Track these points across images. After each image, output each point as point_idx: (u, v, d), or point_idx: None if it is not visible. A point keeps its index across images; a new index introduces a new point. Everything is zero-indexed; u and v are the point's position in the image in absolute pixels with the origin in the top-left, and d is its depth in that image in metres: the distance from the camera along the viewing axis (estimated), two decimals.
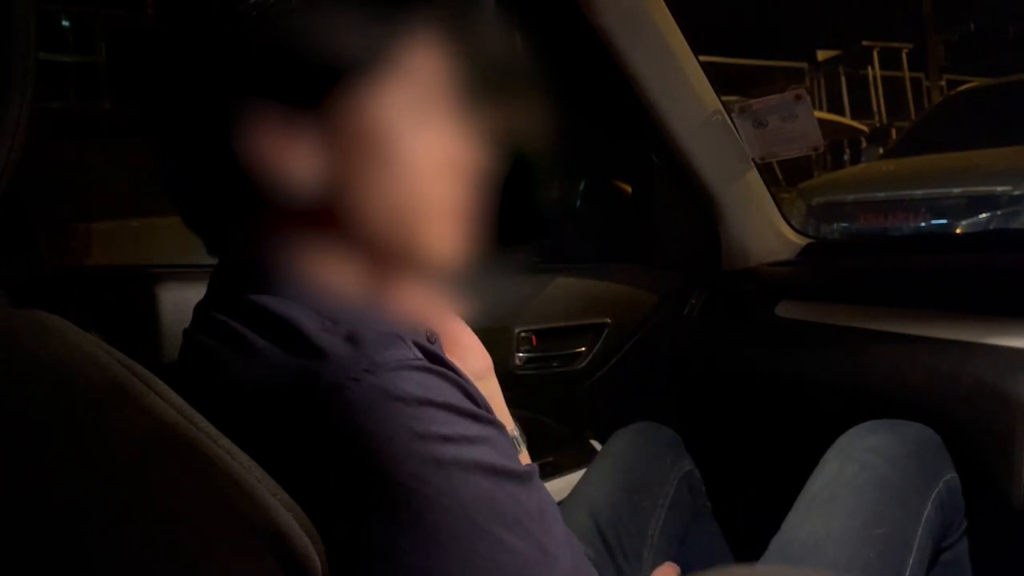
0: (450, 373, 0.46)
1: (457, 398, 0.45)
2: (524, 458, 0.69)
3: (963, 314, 1.00)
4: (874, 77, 9.72)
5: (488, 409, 0.47)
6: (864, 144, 7.98)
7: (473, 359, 0.65)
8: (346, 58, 0.49)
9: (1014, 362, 0.90)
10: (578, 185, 1.68)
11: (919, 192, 3.64)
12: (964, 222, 3.40)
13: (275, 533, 0.40)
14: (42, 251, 1.06)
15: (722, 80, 1.36)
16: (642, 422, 1.05)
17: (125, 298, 1.05)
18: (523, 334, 1.31)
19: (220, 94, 0.48)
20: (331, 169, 0.49)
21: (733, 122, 1.29)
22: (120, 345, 0.42)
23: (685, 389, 1.40)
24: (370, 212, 0.51)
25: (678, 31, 1.22)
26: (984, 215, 3.36)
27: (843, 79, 9.70)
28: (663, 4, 1.19)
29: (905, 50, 9.91)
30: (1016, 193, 3.31)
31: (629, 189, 1.55)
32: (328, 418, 0.41)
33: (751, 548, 0.84)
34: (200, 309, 0.53)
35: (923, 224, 3.53)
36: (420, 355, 0.45)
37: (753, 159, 1.32)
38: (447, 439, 0.42)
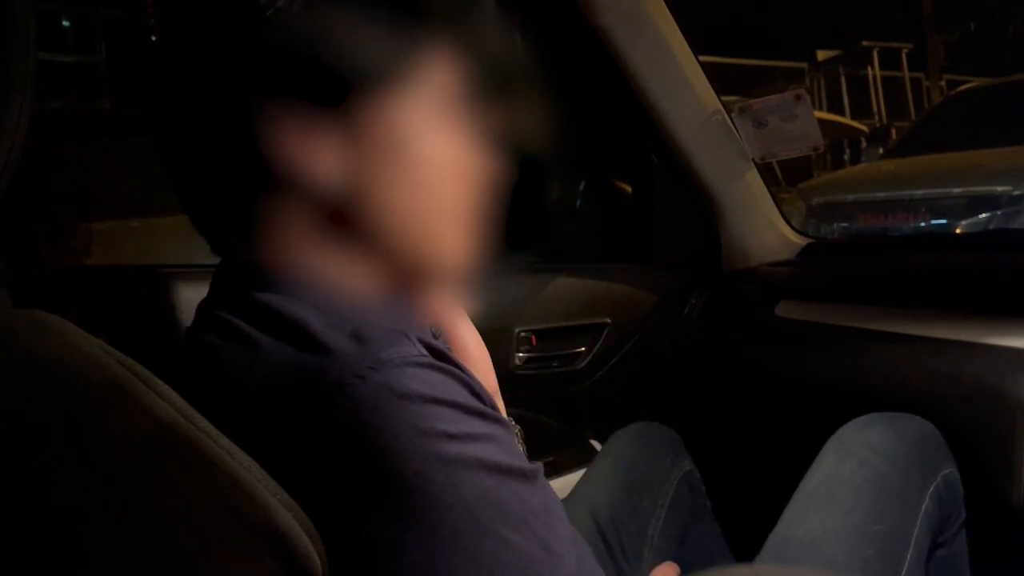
0: (456, 370, 0.46)
1: (463, 395, 0.45)
2: None
3: (963, 314, 1.00)
4: (874, 77, 9.73)
5: (494, 407, 0.47)
6: (864, 144, 7.98)
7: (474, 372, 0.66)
8: (366, 64, 0.50)
9: (1014, 362, 0.90)
10: (578, 185, 1.69)
11: (919, 192, 3.65)
12: (964, 222, 3.40)
13: (275, 533, 0.40)
14: (42, 251, 1.06)
15: (722, 80, 1.36)
16: (642, 422, 1.05)
17: (125, 298, 1.05)
18: (523, 334, 1.31)
19: (242, 92, 0.48)
20: (352, 169, 0.50)
21: (733, 122, 1.29)
22: (120, 345, 0.42)
23: (685, 389, 1.40)
24: (387, 214, 0.52)
25: (678, 31, 1.22)
26: (984, 215, 3.36)
27: (843, 79, 9.71)
28: (663, 4, 1.19)
29: (905, 50, 9.93)
30: (1016, 193, 3.32)
31: (629, 189, 1.55)
32: (333, 415, 0.41)
33: (751, 548, 0.84)
34: (203, 307, 0.54)
35: (923, 224, 3.53)
36: (426, 352, 0.45)
37: (753, 159, 1.32)
38: (452, 437, 0.42)
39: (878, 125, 9.52)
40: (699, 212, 1.39)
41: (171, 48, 0.54)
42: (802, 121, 1.22)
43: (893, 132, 8.74)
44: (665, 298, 1.44)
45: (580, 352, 1.37)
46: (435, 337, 0.57)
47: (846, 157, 8.73)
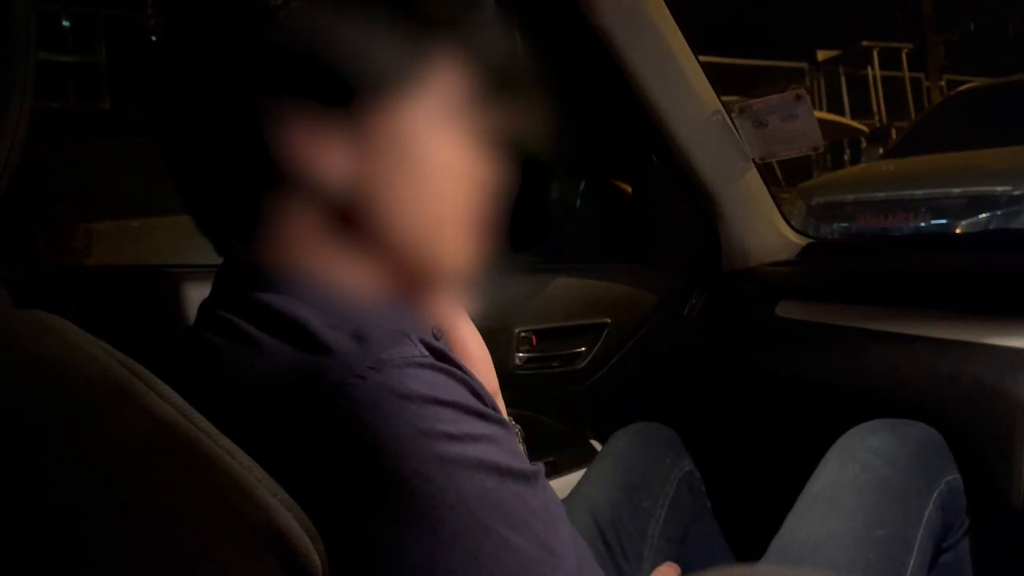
0: (456, 371, 0.46)
1: (463, 396, 0.45)
2: None
3: (963, 314, 1.00)
4: (874, 77, 9.73)
5: (494, 407, 0.47)
6: (864, 144, 7.98)
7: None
8: (370, 67, 0.50)
9: (1014, 362, 0.90)
10: (578, 185, 1.69)
11: (919, 192, 3.65)
12: (964, 222, 3.40)
13: (275, 533, 0.40)
14: (42, 251, 1.06)
15: (722, 80, 1.36)
16: (642, 422, 1.05)
17: (125, 298, 1.05)
18: (523, 334, 1.31)
19: (245, 91, 0.49)
20: (358, 170, 0.50)
21: (733, 122, 1.29)
22: (121, 345, 0.42)
23: (685, 389, 1.40)
24: (392, 216, 0.52)
25: (678, 31, 1.22)
26: (984, 215, 3.36)
27: (843, 79, 9.71)
28: (663, 4, 1.19)
29: (905, 50, 9.92)
30: (1016, 193, 3.32)
31: (629, 189, 1.55)
32: (333, 415, 0.42)
33: (751, 548, 0.84)
34: (205, 307, 0.54)
35: (923, 224, 3.53)
36: (427, 352, 0.45)
37: (753, 159, 1.32)
38: (453, 437, 0.42)
39: (878, 125, 9.52)
40: (699, 212, 1.39)
41: (171, 48, 0.54)
42: (802, 121, 1.22)
43: (893, 132, 8.74)
44: (665, 298, 1.44)
45: (580, 352, 1.37)
46: (436, 338, 0.57)
47: (846, 157, 8.72)
